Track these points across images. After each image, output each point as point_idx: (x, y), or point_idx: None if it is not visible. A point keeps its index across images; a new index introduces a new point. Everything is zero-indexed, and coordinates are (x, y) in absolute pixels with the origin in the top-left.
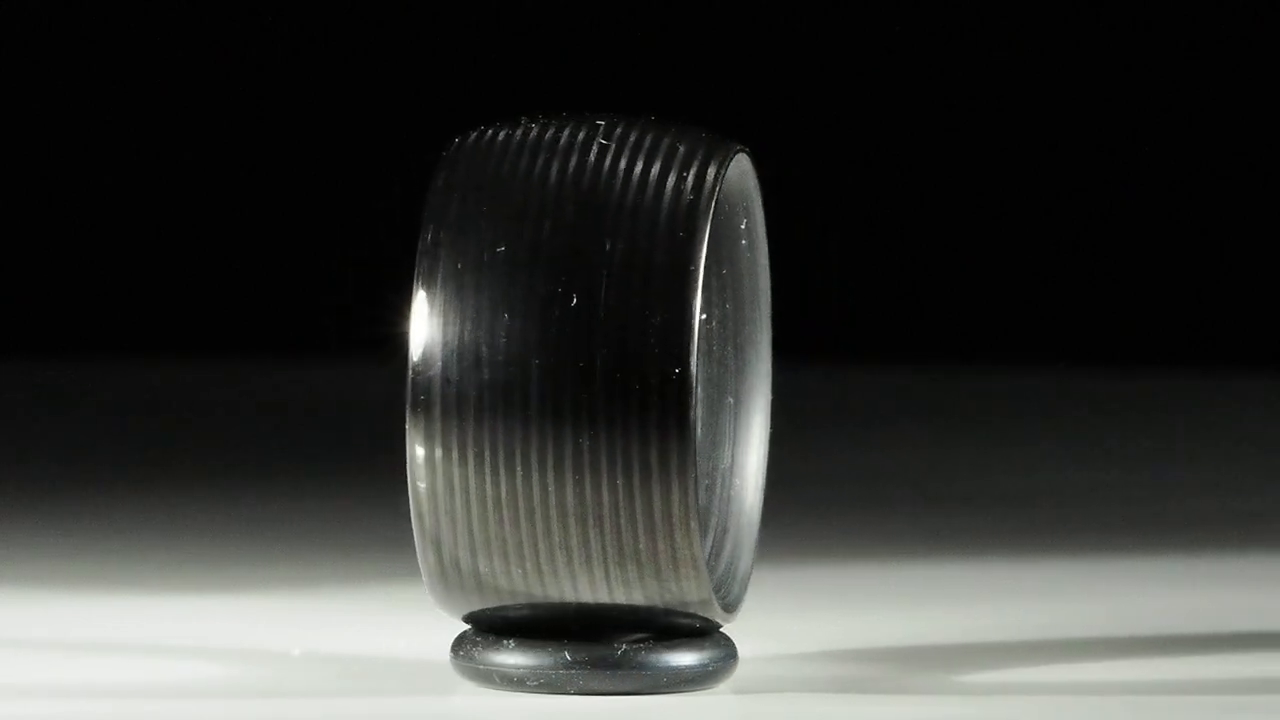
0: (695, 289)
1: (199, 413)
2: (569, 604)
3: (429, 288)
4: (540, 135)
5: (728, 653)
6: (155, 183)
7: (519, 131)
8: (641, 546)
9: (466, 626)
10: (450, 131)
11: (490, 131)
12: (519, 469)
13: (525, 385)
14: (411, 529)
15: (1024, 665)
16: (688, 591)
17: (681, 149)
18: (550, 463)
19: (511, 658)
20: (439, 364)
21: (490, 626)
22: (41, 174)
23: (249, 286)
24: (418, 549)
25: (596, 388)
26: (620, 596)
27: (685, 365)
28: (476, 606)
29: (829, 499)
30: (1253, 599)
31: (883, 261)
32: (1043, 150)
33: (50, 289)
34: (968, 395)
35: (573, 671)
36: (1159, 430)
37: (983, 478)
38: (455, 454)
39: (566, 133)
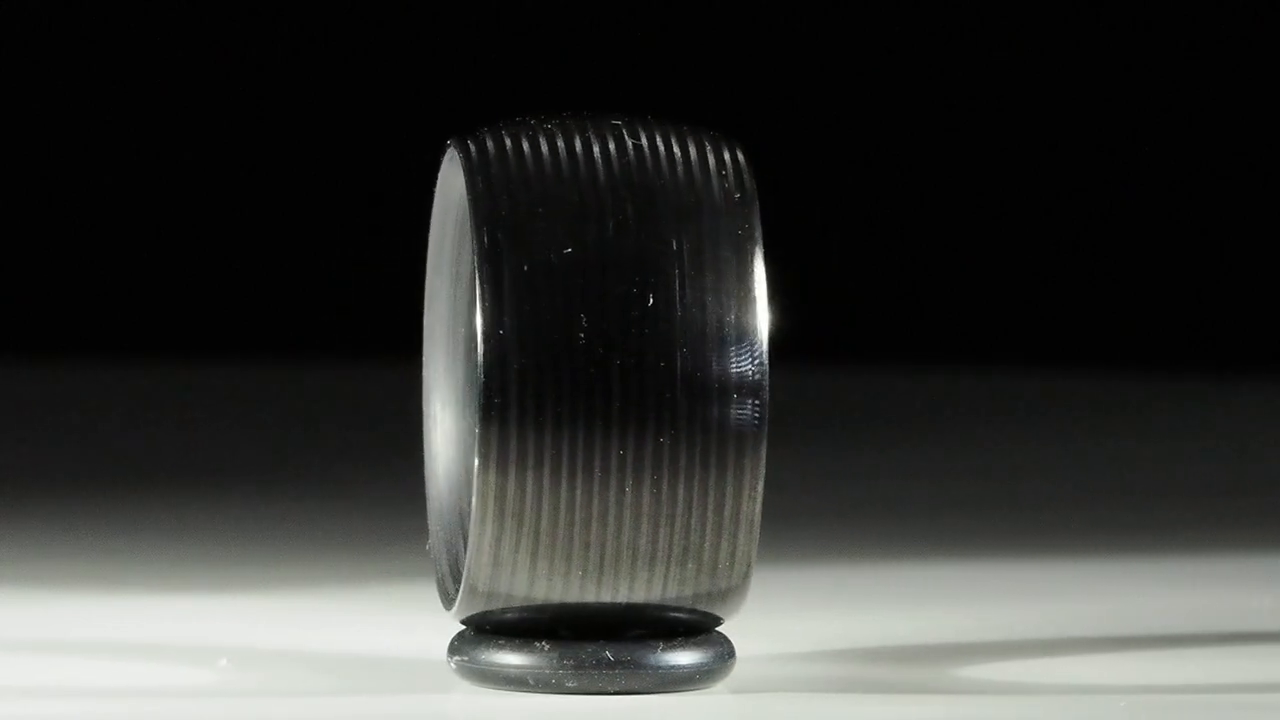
0: (761, 285)
1: (199, 413)
2: (618, 604)
3: (495, 291)
4: (569, 135)
5: (726, 652)
6: (154, 183)
7: (540, 132)
8: (706, 544)
9: (463, 626)
10: (449, 132)
11: (503, 133)
12: (597, 471)
13: (607, 386)
14: (428, 527)
15: (1024, 665)
16: (735, 589)
17: (705, 145)
18: (630, 464)
19: (511, 657)
20: (515, 367)
21: (507, 628)
22: (40, 175)
23: (249, 287)
24: (471, 550)
25: (678, 387)
26: (671, 594)
27: (760, 362)
28: (509, 607)
29: (828, 499)
30: (1252, 599)
31: (882, 261)
32: (1043, 150)
33: (52, 289)
34: (967, 395)
35: (568, 671)
36: (1159, 430)
37: (982, 478)
38: (531, 458)
39: (593, 132)
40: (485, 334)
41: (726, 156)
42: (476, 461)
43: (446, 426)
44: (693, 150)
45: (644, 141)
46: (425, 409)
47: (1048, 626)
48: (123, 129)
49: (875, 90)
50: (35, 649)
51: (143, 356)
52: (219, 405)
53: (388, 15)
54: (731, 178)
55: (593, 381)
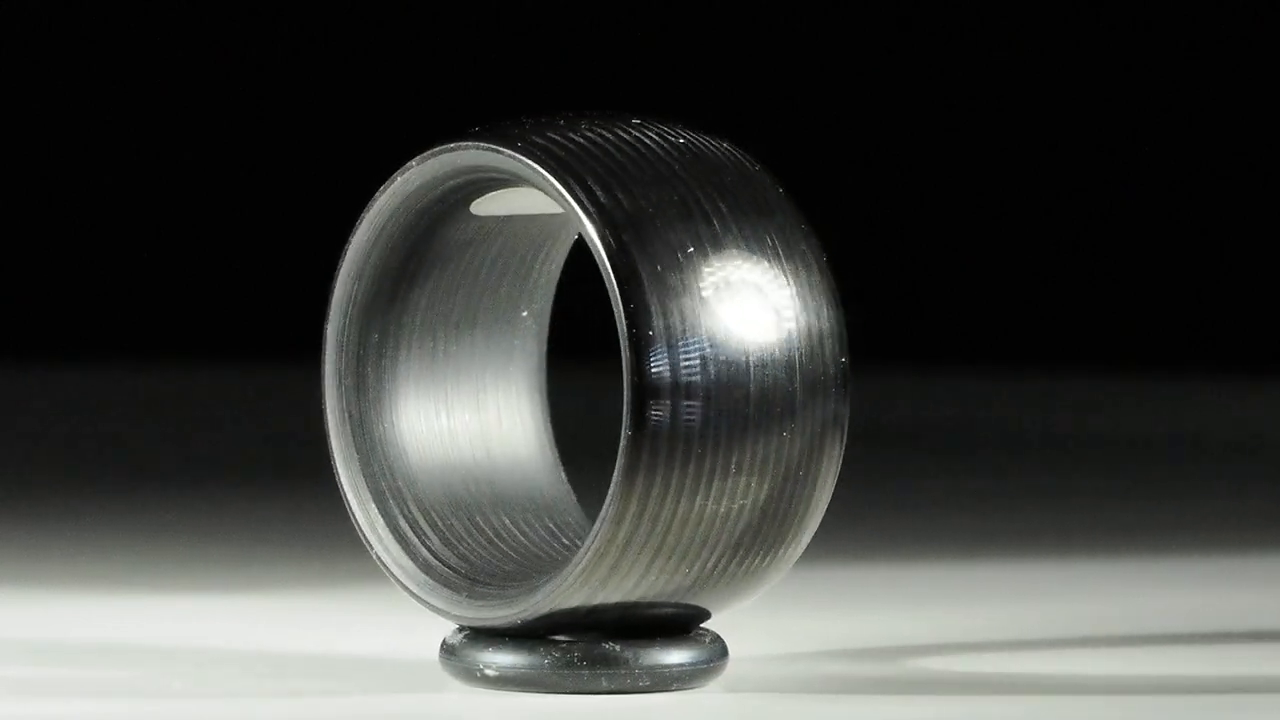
0: (829, 277)
1: (199, 414)
2: (701, 609)
3: (635, 291)
4: (621, 131)
5: (719, 651)
6: (154, 184)
7: (586, 128)
8: (787, 536)
9: (455, 626)
10: (447, 133)
11: (554, 132)
12: (733, 467)
13: (745, 383)
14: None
15: (1023, 665)
16: (774, 574)
17: (722, 142)
18: (759, 458)
19: (503, 657)
20: (668, 367)
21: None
22: (38, 175)
23: (248, 288)
24: (591, 553)
25: (798, 379)
26: (735, 584)
27: (847, 353)
28: (589, 606)
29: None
30: (1253, 599)
31: (881, 261)
32: (1043, 151)
33: (52, 290)
34: (967, 396)
35: (562, 671)
36: (1159, 430)
37: (982, 478)
38: (678, 459)
39: (638, 129)
40: (635, 335)
41: (737, 152)
42: (622, 464)
43: (464, 422)
44: (717, 146)
45: (681, 139)
46: (377, 412)
47: (1047, 626)
48: (121, 129)
49: (874, 92)
50: (35, 649)
51: (143, 357)
52: (217, 405)
53: (386, 16)
54: (769, 176)
55: (732, 381)
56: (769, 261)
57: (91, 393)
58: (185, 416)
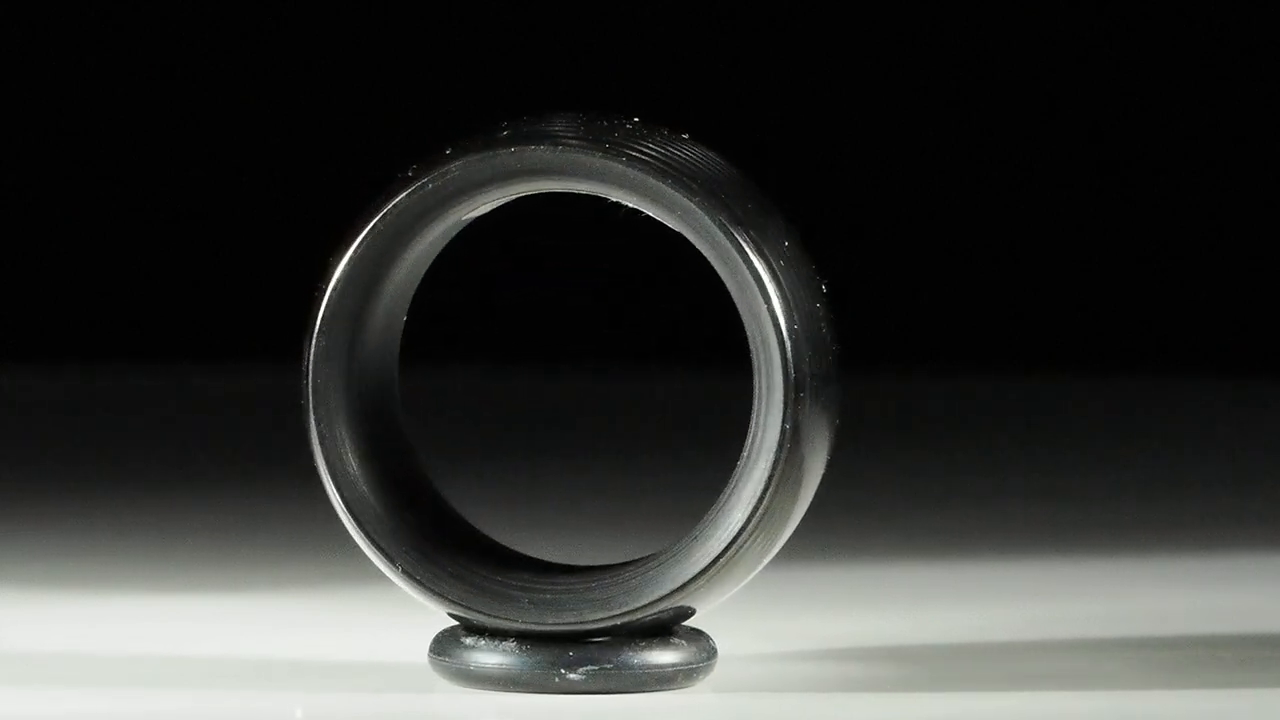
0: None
1: (196, 413)
2: (688, 608)
3: (777, 285)
4: (670, 140)
5: (708, 650)
6: (152, 185)
7: (630, 132)
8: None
9: (448, 625)
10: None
11: (625, 138)
12: (822, 448)
13: (835, 371)
14: None
15: (1022, 665)
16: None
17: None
18: (824, 437)
19: (492, 657)
20: (806, 355)
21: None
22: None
23: (245, 289)
24: (744, 536)
25: (837, 367)
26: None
27: (838, 343)
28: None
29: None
30: (1252, 599)
31: (880, 262)
32: (1043, 150)
33: (49, 290)
34: (967, 396)
35: (551, 670)
36: (1158, 431)
37: (982, 478)
38: (815, 444)
39: (659, 131)
40: (782, 330)
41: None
42: (781, 457)
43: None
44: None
45: (697, 145)
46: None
47: (1047, 626)
48: (121, 129)
49: (874, 92)
50: (36, 649)
51: (142, 358)
52: (214, 405)
53: (386, 17)
54: (737, 173)
55: (830, 367)
56: (794, 256)
57: (84, 394)
58: (185, 416)
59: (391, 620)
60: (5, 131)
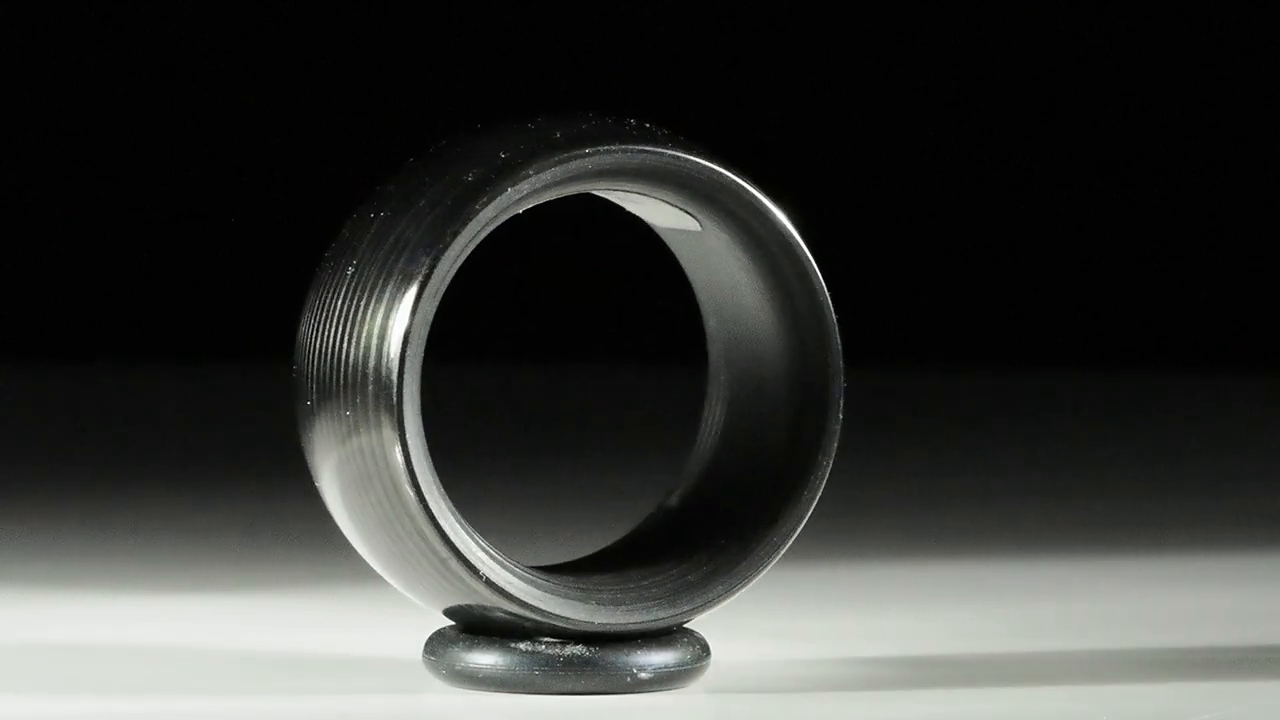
0: None
1: (193, 413)
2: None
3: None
4: (681, 142)
5: (701, 651)
6: (152, 184)
7: (655, 134)
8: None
9: (443, 625)
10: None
11: (667, 141)
12: None
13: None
14: None
15: (1022, 665)
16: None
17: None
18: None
19: (485, 657)
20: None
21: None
22: (36, 177)
23: (244, 289)
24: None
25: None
26: None
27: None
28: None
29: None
30: (1252, 599)
31: (879, 261)
32: (1043, 150)
33: (48, 290)
34: (967, 396)
35: (544, 671)
36: (1158, 430)
37: (982, 478)
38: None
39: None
40: (834, 332)
41: None
42: (830, 450)
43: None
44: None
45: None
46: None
47: (1046, 627)
48: (120, 129)
49: (875, 93)
50: (37, 649)
51: (140, 358)
52: (213, 406)
53: (386, 17)
54: None
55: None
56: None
57: (84, 394)
58: (183, 417)
59: (390, 620)
60: (5, 131)
